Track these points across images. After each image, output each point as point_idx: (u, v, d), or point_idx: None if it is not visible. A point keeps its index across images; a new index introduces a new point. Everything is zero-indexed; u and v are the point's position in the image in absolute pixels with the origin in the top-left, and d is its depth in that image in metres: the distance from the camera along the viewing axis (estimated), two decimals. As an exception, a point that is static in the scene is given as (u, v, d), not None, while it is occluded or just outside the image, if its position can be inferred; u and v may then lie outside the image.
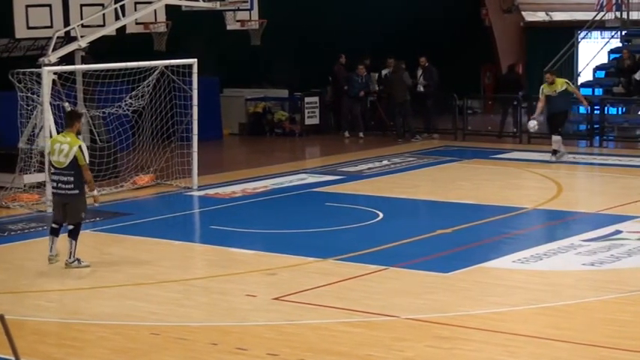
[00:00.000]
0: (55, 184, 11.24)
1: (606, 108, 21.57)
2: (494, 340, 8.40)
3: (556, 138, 18.28)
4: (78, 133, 11.61)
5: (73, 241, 11.12)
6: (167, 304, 9.61)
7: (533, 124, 18.76)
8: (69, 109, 15.77)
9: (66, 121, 11.92)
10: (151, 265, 11.32)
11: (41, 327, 9.00)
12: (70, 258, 11.13)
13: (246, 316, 9.22)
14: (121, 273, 10.91)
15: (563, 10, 27.33)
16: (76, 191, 11.07)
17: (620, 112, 22.57)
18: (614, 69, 23.02)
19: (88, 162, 11.13)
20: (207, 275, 10.89)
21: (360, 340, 8.39)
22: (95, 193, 11.40)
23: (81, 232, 11.23)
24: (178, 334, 8.65)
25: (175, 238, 12.68)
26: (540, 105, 18.49)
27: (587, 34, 24.95)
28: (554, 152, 18.26)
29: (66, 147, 11.05)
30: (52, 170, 11.27)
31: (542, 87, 18.53)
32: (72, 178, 11.03)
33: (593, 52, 24.37)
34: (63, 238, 11.24)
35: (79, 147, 11.00)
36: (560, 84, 18.21)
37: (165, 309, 9.45)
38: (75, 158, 10.98)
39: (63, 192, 11.09)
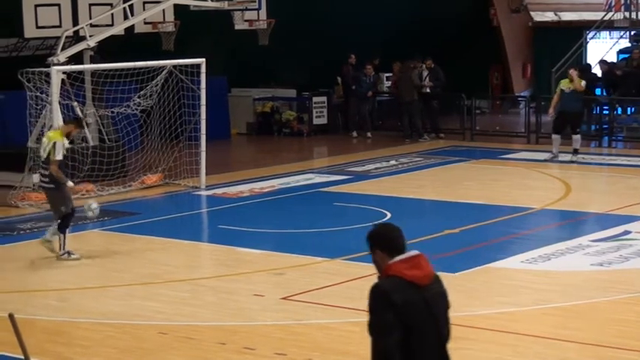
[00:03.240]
0: (39, 178, 11.67)
1: (615, 108, 21.56)
2: (502, 340, 8.40)
3: (576, 137, 18.23)
4: (68, 136, 11.63)
5: (61, 235, 11.29)
6: (175, 304, 9.62)
7: None
8: (77, 108, 15.84)
9: (63, 120, 12.18)
10: (159, 264, 11.33)
11: (50, 326, 9.02)
12: (60, 250, 11.34)
13: (253, 315, 9.22)
14: (129, 272, 10.93)
15: (572, 10, 27.28)
16: (52, 185, 11.28)
17: (629, 113, 22.52)
18: (623, 69, 22.95)
19: (58, 159, 11.17)
20: (214, 275, 10.90)
21: (368, 340, 8.38)
22: (70, 184, 11.53)
23: (89, 230, 11.26)
24: (186, 334, 8.66)
25: (183, 237, 12.69)
26: (555, 99, 18.37)
27: (595, 34, 24.91)
28: (575, 151, 18.21)
29: (46, 141, 11.38)
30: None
31: (560, 81, 18.47)
32: (47, 172, 11.27)
33: (602, 52, 24.31)
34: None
35: (54, 143, 11.22)
36: (579, 82, 18.05)
37: (173, 308, 9.46)
38: (50, 153, 11.23)
39: (41, 184, 11.50)
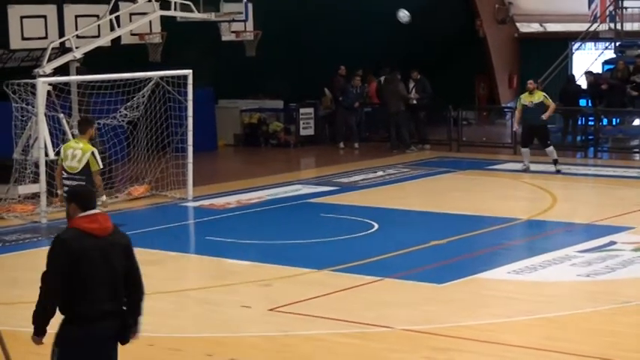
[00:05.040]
0: (67, 189, 11.72)
1: (601, 119, 21.68)
2: (489, 351, 8.40)
3: (549, 149, 18.33)
4: (91, 139, 12.04)
5: None
6: (161, 315, 9.58)
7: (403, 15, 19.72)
8: (64, 119, 15.81)
9: (79, 128, 12.38)
10: (146, 276, 11.16)
11: (35, 338, 8.95)
12: None
13: (240, 327, 9.20)
14: (116, 284, 10.87)
15: (558, 22, 27.43)
16: None
17: (614, 124, 22.63)
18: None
19: (101, 167, 11.70)
20: (201, 286, 10.87)
21: (355, 351, 8.38)
22: (104, 198, 11.68)
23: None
24: (173, 345, 8.63)
25: (170, 248, 12.66)
26: (518, 115, 18.57)
27: (581, 45, 25.05)
28: (555, 162, 18.29)
29: (79, 152, 11.66)
30: (64, 175, 11.78)
31: (520, 96, 18.62)
32: (83, 183, 11.45)
33: (588, 63, 24.44)
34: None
35: (92, 153, 11.59)
36: (539, 96, 18.24)
37: (160, 320, 9.42)
38: (88, 163, 11.51)
39: None
